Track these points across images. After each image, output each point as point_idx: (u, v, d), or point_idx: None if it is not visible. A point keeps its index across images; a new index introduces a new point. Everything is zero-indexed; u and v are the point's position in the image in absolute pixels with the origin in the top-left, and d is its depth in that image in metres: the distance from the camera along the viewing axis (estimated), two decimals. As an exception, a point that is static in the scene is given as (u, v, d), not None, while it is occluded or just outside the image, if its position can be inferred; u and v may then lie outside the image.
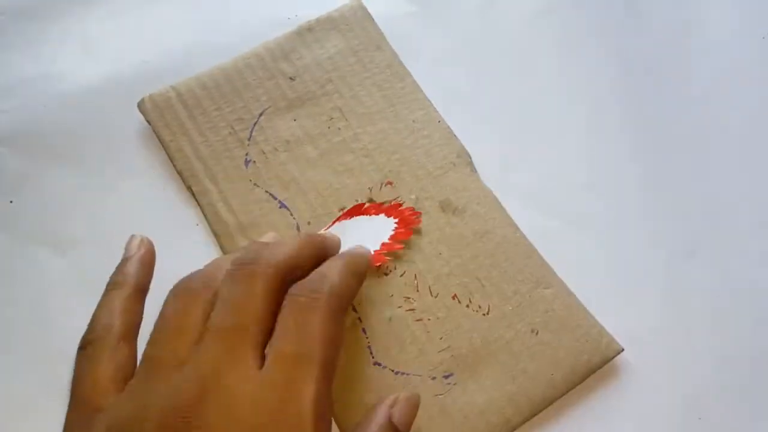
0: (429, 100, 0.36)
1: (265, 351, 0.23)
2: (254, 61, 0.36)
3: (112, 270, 0.27)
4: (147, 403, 0.22)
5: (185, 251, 0.33)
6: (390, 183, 0.34)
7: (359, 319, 0.31)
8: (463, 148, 0.35)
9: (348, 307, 0.26)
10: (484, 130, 0.36)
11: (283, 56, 0.36)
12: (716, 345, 0.32)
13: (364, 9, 0.38)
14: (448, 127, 0.35)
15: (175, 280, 0.26)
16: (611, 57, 0.38)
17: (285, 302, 0.24)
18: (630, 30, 0.39)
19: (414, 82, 0.36)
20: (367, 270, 0.28)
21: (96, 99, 0.37)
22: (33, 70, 0.38)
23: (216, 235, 0.33)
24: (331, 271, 0.25)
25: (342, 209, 0.33)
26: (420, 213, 0.33)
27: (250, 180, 0.34)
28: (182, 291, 0.25)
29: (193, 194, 0.34)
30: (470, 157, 0.35)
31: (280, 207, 0.33)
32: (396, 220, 0.33)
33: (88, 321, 0.26)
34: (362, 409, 0.29)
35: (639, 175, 0.36)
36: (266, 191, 0.34)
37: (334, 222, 0.33)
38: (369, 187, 0.34)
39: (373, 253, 0.31)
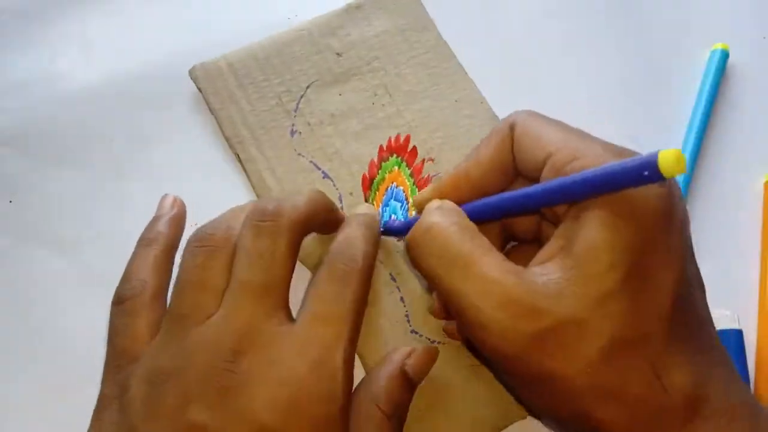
0: (473, 82, 0.36)
1: (300, 310, 0.24)
2: (304, 34, 0.37)
3: (113, 269, 0.27)
4: (184, 354, 0.23)
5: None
6: (431, 160, 0.35)
7: (398, 288, 0.32)
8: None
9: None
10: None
11: (331, 32, 0.37)
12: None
13: (410, -10, 0.38)
14: (491, 108, 0.36)
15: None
16: (612, 57, 0.39)
17: (324, 265, 0.25)
18: (630, 31, 0.39)
19: (458, 63, 0.37)
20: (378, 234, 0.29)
21: (96, 99, 0.37)
22: (33, 70, 0.38)
23: (261, 200, 0.34)
24: (359, 240, 0.26)
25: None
26: (409, 135, 0.35)
27: (295, 150, 0.35)
28: (201, 244, 0.25)
29: (239, 161, 0.34)
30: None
31: (323, 177, 0.34)
32: (402, 159, 0.34)
33: (123, 275, 0.27)
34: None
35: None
36: (310, 161, 0.34)
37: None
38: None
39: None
